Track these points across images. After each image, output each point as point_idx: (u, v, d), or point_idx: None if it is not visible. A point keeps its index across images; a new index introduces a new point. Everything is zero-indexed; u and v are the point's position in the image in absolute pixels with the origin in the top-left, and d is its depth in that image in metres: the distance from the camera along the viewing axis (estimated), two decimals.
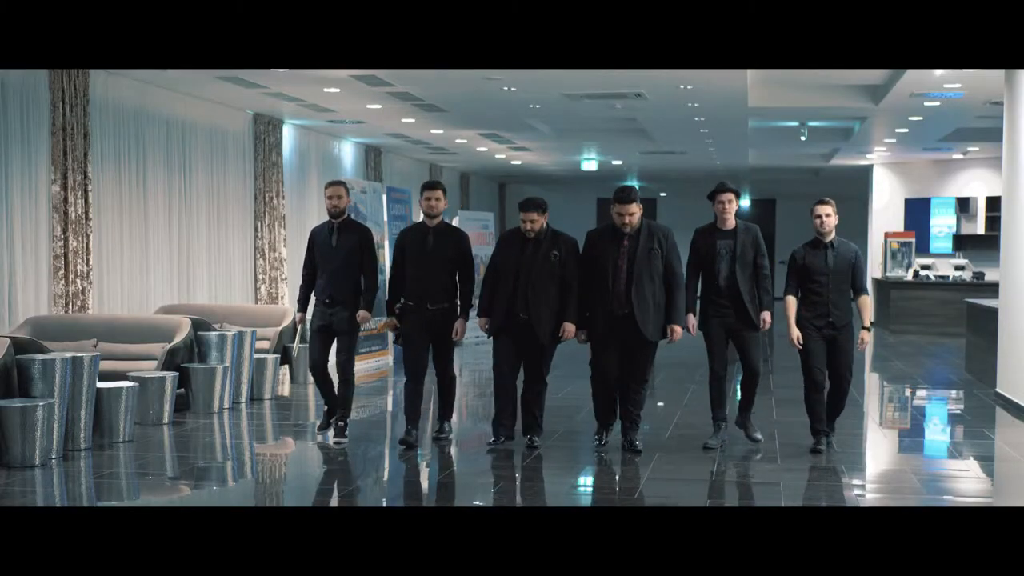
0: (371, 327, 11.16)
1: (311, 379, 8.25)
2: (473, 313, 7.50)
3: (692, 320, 7.27)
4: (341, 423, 7.62)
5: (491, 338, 7.36)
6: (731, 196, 7.25)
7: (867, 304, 7.32)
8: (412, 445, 7.30)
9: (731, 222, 7.30)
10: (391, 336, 8.91)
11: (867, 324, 7.29)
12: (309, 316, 7.85)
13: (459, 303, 7.42)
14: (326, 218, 7.73)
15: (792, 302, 7.23)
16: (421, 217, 7.54)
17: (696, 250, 7.38)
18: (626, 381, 7.17)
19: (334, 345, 7.65)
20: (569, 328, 7.10)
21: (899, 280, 17.75)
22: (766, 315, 7.30)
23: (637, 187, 7.45)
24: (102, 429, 7.47)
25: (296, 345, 9.56)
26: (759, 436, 7.45)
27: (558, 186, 26.46)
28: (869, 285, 8.57)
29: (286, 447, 7.98)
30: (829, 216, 7.17)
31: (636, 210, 6.95)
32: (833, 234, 7.21)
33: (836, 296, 7.14)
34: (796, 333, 7.16)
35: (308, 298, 7.77)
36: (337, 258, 7.51)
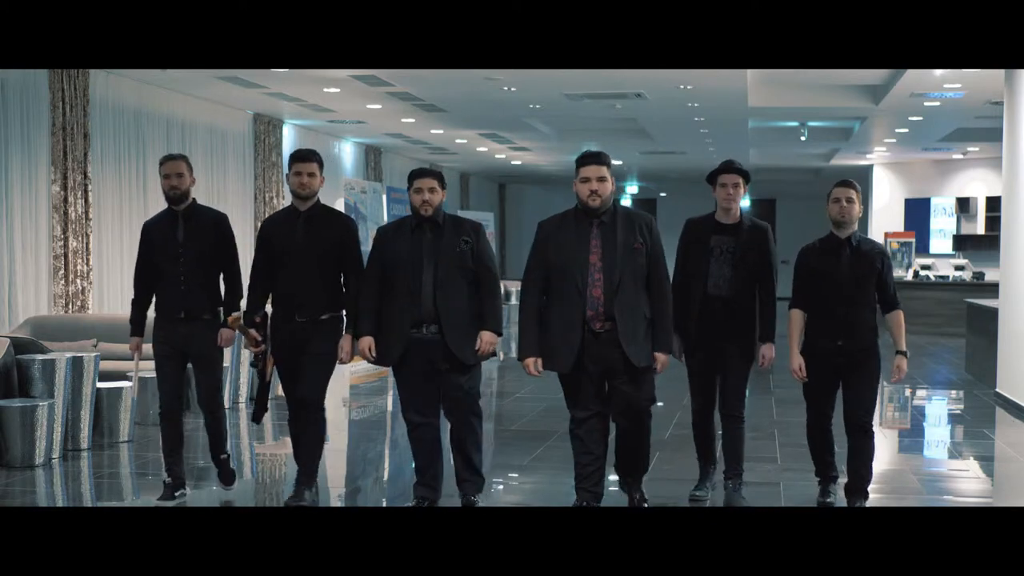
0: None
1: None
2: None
3: (676, 343, 5.52)
4: (228, 466, 6.10)
5: (387, 367, 5.49)
6: (737, 179, 5.49)
7: (900, 322, 5.60)
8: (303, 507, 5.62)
9: (735, 213, 5.55)
10: (250, 358, 6.69)
11: (902, 348, 5.56)
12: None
13: (344, 313, 5.58)
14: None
15: (797, 318, 5.53)
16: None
17: (684, 248, 5.64)
18: (616, 419, 5.29)
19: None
20: (487, 339, 5.29)
21: (899, 280, 17.76)
22: (767, 350, 5.56)
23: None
24: (102, 429, 7.49)
25: (135, 381, 7.21)
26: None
27: (558, 186, 26.45)
28: None
29: (286, 447, 7.96)
30: (852, 202, 5.40)
31: (607, 175, 5.12)
32: (855, 227, 5.53)
33: (851, 312, 5.43)
34: (799, 361, 5.48)
35: (145, 317, 5.94)
36: (187, 258, 5.64)
